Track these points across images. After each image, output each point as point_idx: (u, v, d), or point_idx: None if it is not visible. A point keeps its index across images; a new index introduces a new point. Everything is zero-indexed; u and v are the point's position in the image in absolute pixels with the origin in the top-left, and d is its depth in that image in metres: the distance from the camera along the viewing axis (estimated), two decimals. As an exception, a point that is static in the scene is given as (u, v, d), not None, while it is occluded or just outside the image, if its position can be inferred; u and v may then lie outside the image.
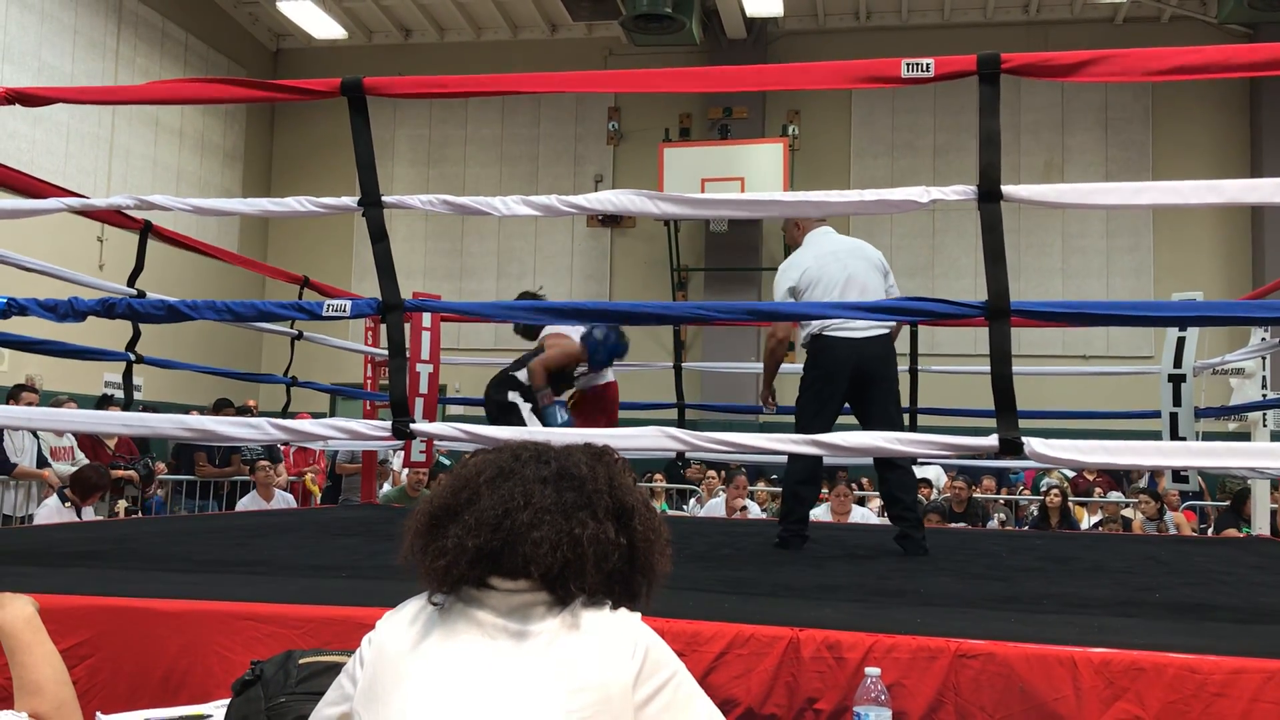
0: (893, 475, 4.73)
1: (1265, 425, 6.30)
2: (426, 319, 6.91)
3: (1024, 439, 2.81)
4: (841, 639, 2.39)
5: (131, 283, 5.50)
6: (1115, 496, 9.61)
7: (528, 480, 1.65)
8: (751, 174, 13.58)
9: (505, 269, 15.69)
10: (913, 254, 14.39)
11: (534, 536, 1.59)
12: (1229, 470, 6.77)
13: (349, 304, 3.43)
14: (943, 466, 10.57)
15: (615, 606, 1.65)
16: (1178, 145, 14.02)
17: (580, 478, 1.67)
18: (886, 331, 4.62)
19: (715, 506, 8.81)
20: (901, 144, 14.65)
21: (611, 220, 15.57)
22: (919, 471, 10.71)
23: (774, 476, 11.88)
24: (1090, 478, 10.45)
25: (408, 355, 5.70)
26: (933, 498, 9.74)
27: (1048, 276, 14.12)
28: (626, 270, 15.39)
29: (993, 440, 2.85)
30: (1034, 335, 12.83)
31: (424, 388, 6.80)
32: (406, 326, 6.42)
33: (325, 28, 15.74)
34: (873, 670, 2.07)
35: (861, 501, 9.77)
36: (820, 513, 8.73)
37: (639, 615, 1.66)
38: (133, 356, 5.54)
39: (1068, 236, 14.37)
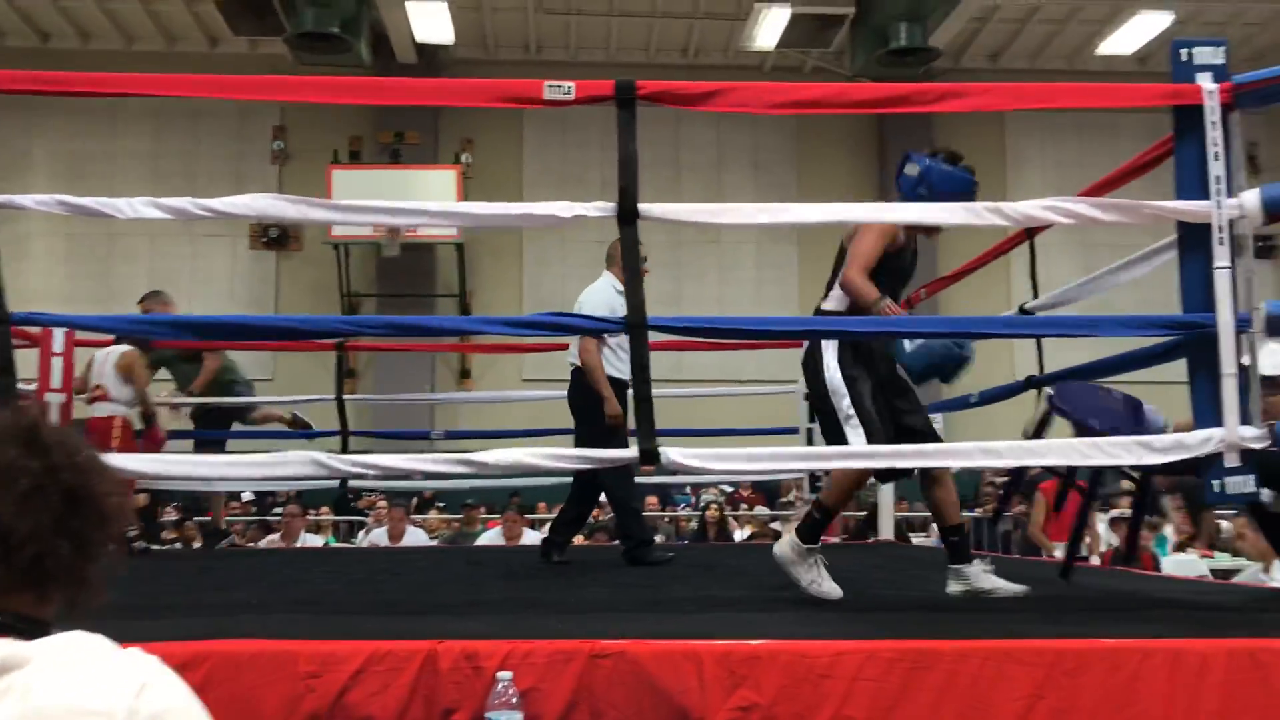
0: None
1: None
2: (58, 342, 6.34)
3: (662, 448, 2.93)
4: (479, 648, 2.39)
5: None
6: (763, 511, 10.26)
7: None
8: (424, 199, 13.38)
9: (159, 293, 14.69)
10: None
11: None
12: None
13: (-59, 318, 3.07)
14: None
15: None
16: (819, 186, 15.22)
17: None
18: (577, 366, 5.22)
19: (380, 536, 8.61)
20: (571, 176, 15.03)
21: (276, 242, 14.97)
22: (588, 494, 10.96)
23: (441, 505, 11.80)
24: (745, 494, 11.08)
25: (36, 382, 5.23)
26: (601, 517, 9.96)
27: (705, 304, 14.87)
28: (293, 295, 14.81)
29: (633, 451, 2.96)
30: (694, 360, 13.45)
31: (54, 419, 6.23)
32: (36, 351, 5.90)
33: (-55, 24, 14.21)
34: (504, 674, 2.08)
35: (533, 525, 9.87)
36: (493, 536, 8.75)
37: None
38: None
39: (723, 268, 15.26)
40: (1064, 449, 2.96)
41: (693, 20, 14.64)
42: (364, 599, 3.57)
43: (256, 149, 15.11)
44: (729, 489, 10.41)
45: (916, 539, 9.10)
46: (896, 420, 3.49)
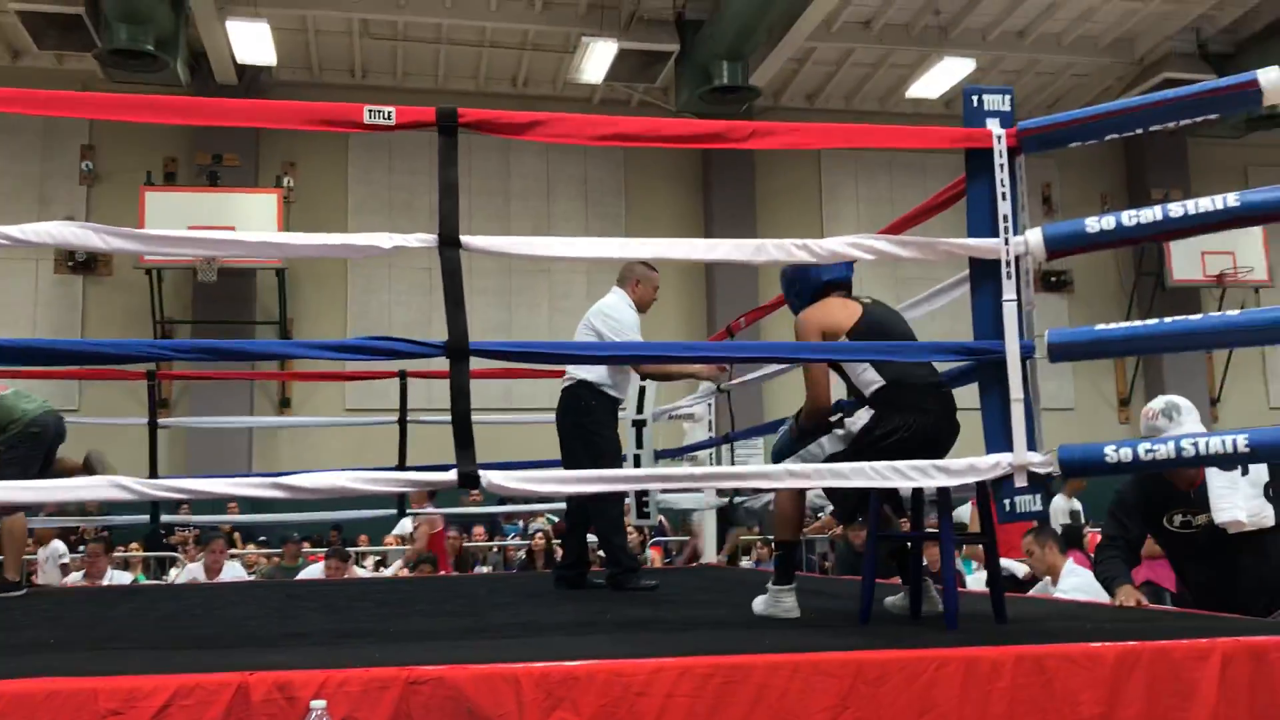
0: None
1: (711, 464, 7.08)
2: None
3: (481, 471, 2.94)
4: (293, 678, 2.34)
5: None
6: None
7: None
8: (243, 224, 13.04)
9: (-51, 320, 13.77)
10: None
11: None
12: (677, 503, 7.52)
13: None
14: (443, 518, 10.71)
15: None
16: (647, 218, 15.48)
17: None
18: (570, 384, 5.18)
19: (195, 571, 8.27)
20: (399, 203, 14.87)
21: (84, 267, 14.26)
22: (411, 525, 10.79)
23: (262, 539, 11.42)
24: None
25: None
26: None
27: (537, 333, 14.91)
28: (102, 322, 14.13)
29: (452, 475, 2.95)
30: (523, 389, 13.43)
31: None
32: None
33: None
34: (317, 703, 2.06)
35: (357, 562, 9.65)
36: (315, 571, 8.51)
37: None
38: None
39: (554, 297, 15.31)
40: (863, 471, 3.11)
41: (522, 51, 14.73)
42: (173, 634, 3.44)
43: (63, 168, 14.41)
44: (555, 519, 10.40)
45: (745, 563, 9.31)
46: None
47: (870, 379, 3.43)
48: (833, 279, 3.62)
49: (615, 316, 5.18)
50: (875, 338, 3.46)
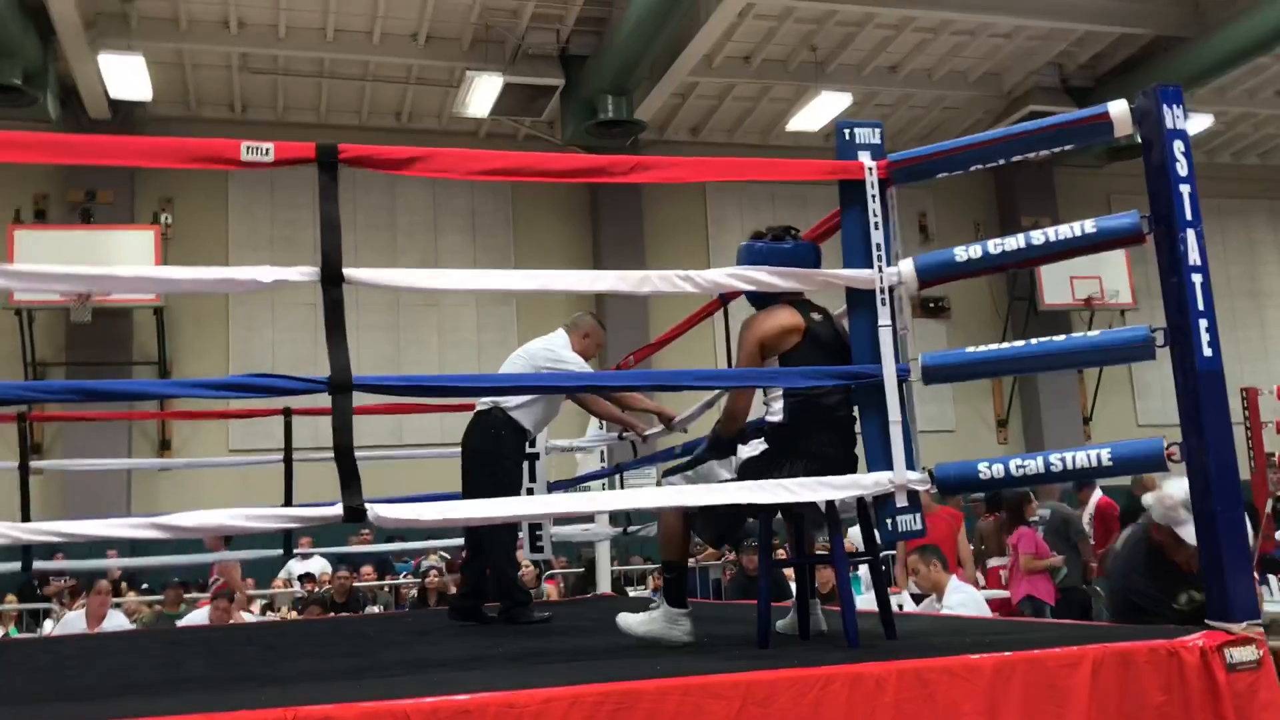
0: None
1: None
2: None
3: (367, 505, 2.91)
4: (175, 727, 2.29)
5: None
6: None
7: None
8: (119, 262, 12.66)
9: None
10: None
11: None
12: (574, 536, 7.50)
13: None
14: (326, 559, 10.52)
15: None
16: (536, 249, 15.49)
17: None
18: (485, 408, 5.07)
19: (73, 622, 7.95)
20: (282, 238, 14.59)
21: (-55, 309, 13.66)
22: (304, 566, 10.58)
23: (144, 586, 11.03)
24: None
25: None
26: (315, 591, 9.63)
27: (427, 367, 14.75)
28: (-32, 366, 13.54)
29: (338, 509, 2.92)
30: (414, 424, 13.27)
31: None
32: None
33: None
34: (201, 749, 2.01)
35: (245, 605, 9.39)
36: (199, 617, 8.26)
37: None
38: None
39: (444, 332, 15.19)
40: (749, 489, 3.18)
41: (406, 85, 14.64)
42: (47, 687, 3.32)
43: (-75, 207, 13.81)
44: (448, 555, 10.29)
45: (634, 592, 9.35)
46: None
47: (776, 408, 3.45)
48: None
49: (564, 358, 5.13)
50: (812, 357, 3.42)
